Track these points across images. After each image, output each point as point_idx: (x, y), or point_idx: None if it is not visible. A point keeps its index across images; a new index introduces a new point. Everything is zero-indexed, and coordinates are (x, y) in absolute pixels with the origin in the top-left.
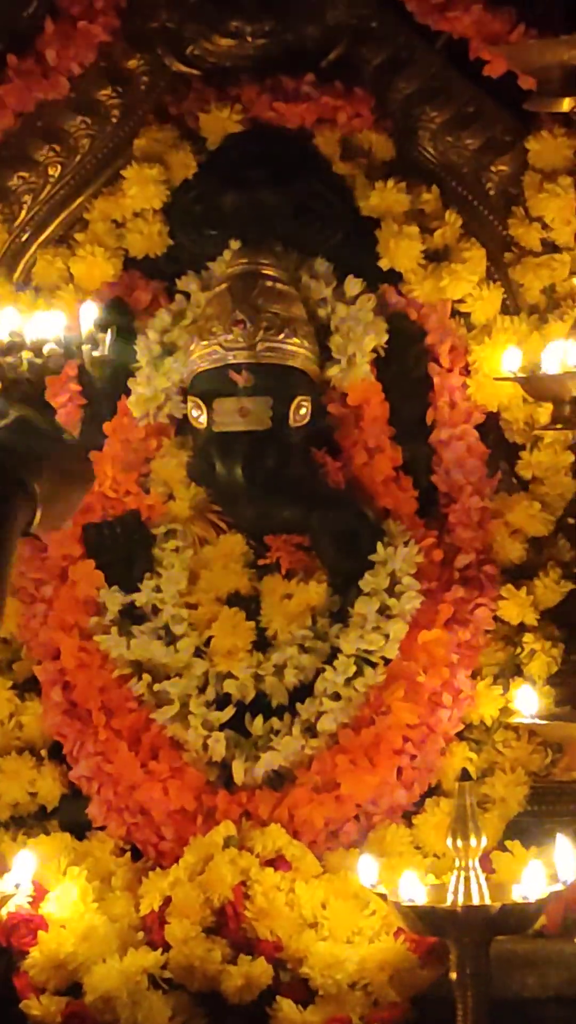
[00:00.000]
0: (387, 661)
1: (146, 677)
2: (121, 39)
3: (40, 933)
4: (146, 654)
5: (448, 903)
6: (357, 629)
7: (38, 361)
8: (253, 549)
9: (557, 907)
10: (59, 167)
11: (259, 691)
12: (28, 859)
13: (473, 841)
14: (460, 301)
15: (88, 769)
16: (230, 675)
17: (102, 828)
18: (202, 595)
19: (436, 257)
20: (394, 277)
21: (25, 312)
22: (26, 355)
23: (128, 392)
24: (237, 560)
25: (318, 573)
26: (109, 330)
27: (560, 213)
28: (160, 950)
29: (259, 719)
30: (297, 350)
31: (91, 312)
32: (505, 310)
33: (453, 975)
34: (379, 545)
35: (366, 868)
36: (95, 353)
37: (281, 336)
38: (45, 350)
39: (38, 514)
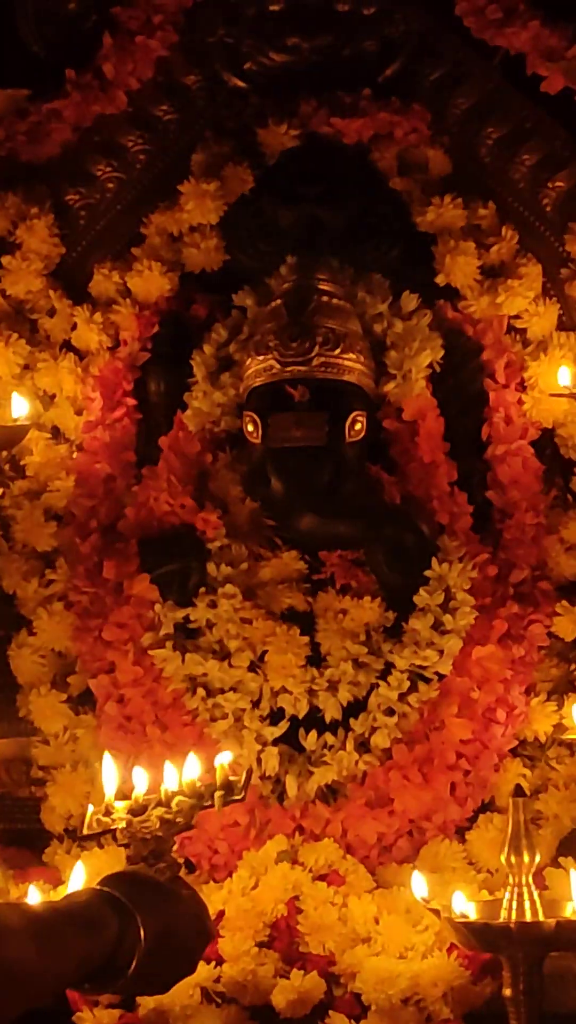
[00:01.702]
0: (441, 677)
1: (200, 692)
2: (179, 54)
3: None
4: (200, 669)
5: (502, 919)
6: (411, 645)
7: (168, 816)
8: (308, 564)
9: None
10: (116, 182)
11: (313, 706)
12: (81, 872)
13: (527, 857)
14: (516, 317)
15: None
16: (284, 690)
17: None
18: (256, 610)
19: (492, 273)
20: (450, 293)
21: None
22: (157, 812)
23: (184, 407)
24: (292, 576)
25: (372, 589)
26: (246, 772)
27: None
28: (213, 964)
29: (313, 734)
30: (353, 365)
31: (225, 759)
32: (561, 326)
33: (506, 991)
34: (434, 561)
35: (419, 883)
36: (232, 797)
37: (337, 351)
38: (175, 803)
39: (141, 946)
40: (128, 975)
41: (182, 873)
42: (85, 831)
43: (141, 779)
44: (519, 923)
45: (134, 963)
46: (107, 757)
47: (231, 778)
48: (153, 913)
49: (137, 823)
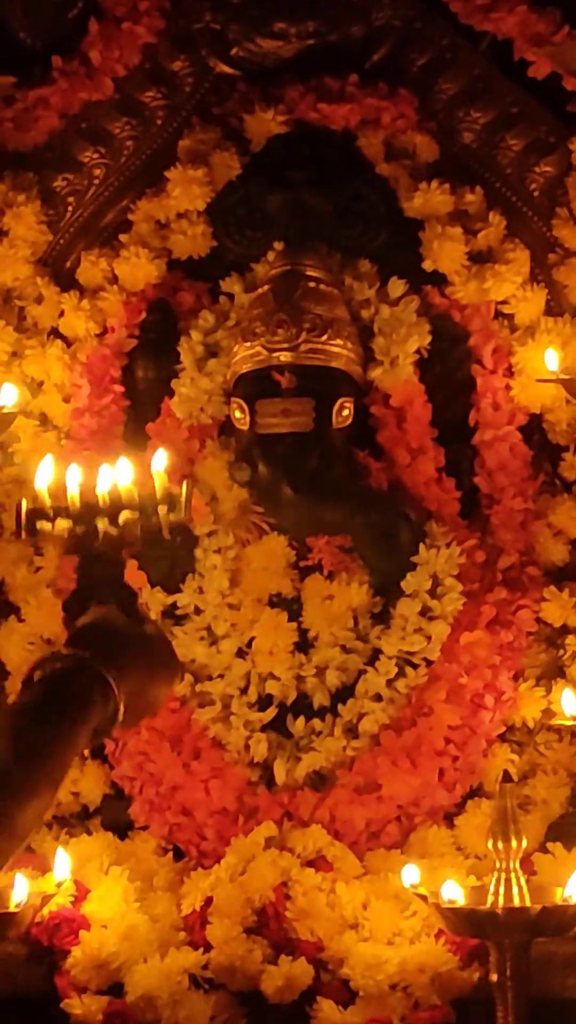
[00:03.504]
0: (429, 662)
1: (188, 677)
2: (165, 40)
3: (82, 933)
4: (188, 655)
5: (489, 905)
6: (399, 630)
7: (114, 531)
8: (295, 550)
9: None
10: (103, 168)
11: (301, 692)
12: (65, 858)
13: (514, 843)
14: (504, 302)
15: (130, 769)
16: (272, 676)
17: (144, 828)
18: (244, 596)
19: (480, 258)
20: (437, 278)
21: (81, 466)
22: (101, 524)
23: (171, 393)
24: (279, 561)
25: (360, 574)
26: (184, 484)
27: None
28: (201, 950)
29: (301, 720)
30: (340, 351)
31: (161, 460)
32: (549, 311)
33: (494, 977)
34: (421, 546)
35: (407, 869)
36: (172, 516)
37: (324, 337)
38: (120, 519)
39: (120, 712)
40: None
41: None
42: (22, 533)
43: (74, 479)
44: (506, 909)
45: (119, 715)
46: (48, 457)
47: (173, 491)
48: (128, 672)
49: (82, 536)
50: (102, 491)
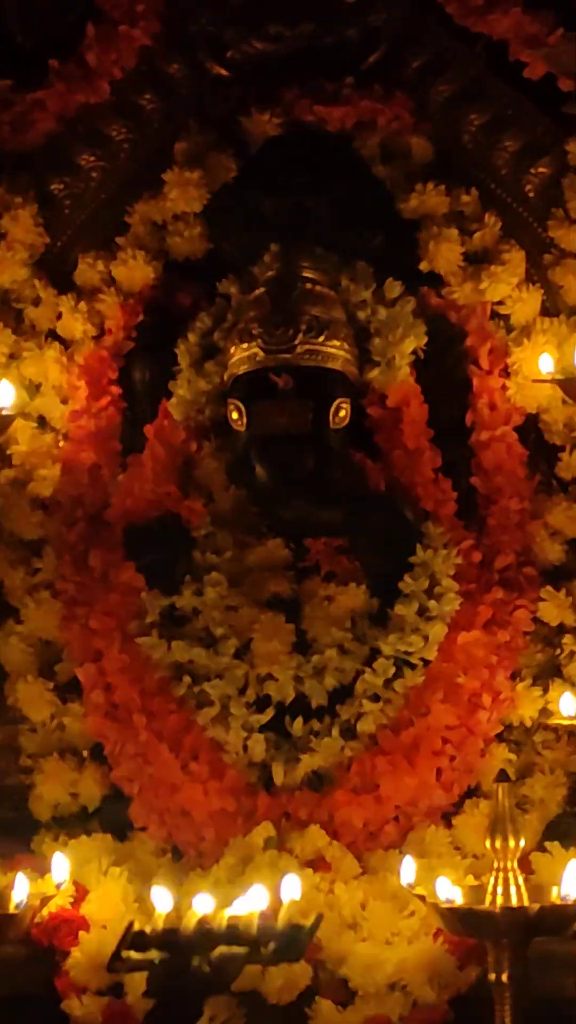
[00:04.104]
0: (426, 663)
1: (187, 679)
2: (162, 43)
3: (81, 933)
4: (187, 656)
5: (487, 904)
6: (396, 631)
7: (206, 969)
8: (293, 552)
9: None
10: (100, 171)
11: (299, 693)
12: (64, 859)
13: (512, 842)
14: (500, 303)
15: (129, 770)
16: (270, 677)
17: (143, 829)
18: (242, 598)
19: (476, 259)
20: (434, 279)
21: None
22: (194, 961)
23: (169, 395)
24: (277, 563)
25: (357, 576)
26: (315, 916)
27: None
28: None
29: (299, 721)
30: (337, 352)
31: (294, 887)
32: (545, 312)
33: (491, 976)
34: (418, 547)
35: (405, 863)
36: (290, 954)
37: (321, 338)
38: (216, 954)
39: None
40: None
41: (168, 857)
42: (111, 965)
43: (165, 902)
44: (504, 908)
45: None
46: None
47: (299, 925)
48: None
49: (160, 968)
50: (219, 919)
